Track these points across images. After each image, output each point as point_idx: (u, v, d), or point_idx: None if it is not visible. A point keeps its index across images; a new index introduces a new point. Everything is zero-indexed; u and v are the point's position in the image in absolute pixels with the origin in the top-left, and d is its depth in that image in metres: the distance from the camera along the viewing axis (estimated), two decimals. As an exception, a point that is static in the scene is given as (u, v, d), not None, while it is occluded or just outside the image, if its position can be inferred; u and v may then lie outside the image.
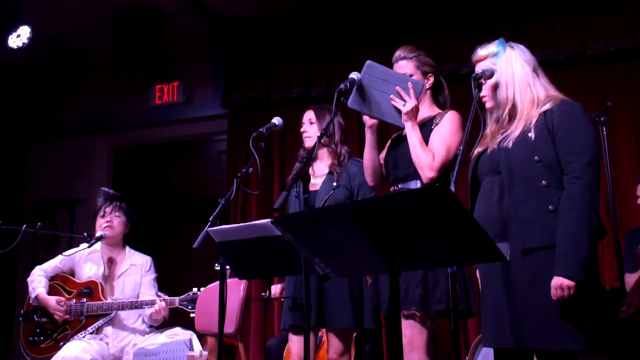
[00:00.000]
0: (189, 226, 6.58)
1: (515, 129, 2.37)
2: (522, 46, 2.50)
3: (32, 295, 3.88)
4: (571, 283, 2.14)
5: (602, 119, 3.51)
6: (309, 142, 3.40)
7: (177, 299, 3.79)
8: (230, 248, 2.59)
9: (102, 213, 4.00)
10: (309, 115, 3.47)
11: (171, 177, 6.69)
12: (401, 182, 2.93)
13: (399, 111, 2.79)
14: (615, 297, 3.53)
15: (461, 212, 1.61)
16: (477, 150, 2.50)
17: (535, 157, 2.29)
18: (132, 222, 4.12)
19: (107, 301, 3.81)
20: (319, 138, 2.59)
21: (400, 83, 2.79)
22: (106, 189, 4.15)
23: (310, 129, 3.41)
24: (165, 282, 4.14)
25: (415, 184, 2.86)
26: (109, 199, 4.04)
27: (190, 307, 3.77)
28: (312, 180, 3.34)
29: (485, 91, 2.45)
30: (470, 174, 2.51)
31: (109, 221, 3.96)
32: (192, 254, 6.41)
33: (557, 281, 2.16)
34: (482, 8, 5.02)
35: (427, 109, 2.98)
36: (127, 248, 4.10)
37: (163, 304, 3.75)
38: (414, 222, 1.66)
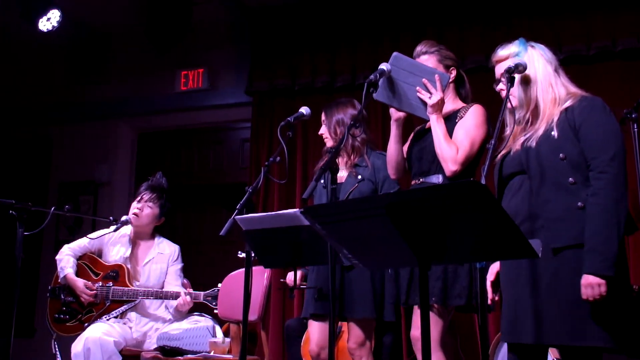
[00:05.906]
0: (211, 213, 6.60)
1: (538, 129, 2.34)
2: (542, 45, 2.47)
3: (61, 275, 3.93)
4: (601, 281, 2.10)
5: (633, 115, 3.46)
6: (327, 142, 3.39)
7: (201, 294, 3.83)
8: (257, 236, 2.61)
9: (138, 198, 4.03)
10: (322, 116, 3.45)
11: (194, 163, 6.71)
12: (423, 176, 2.92)
13: (424, 103, 2.78)
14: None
15: (496, 208, 1.61)
16: (501, 153, 2.48)
17: (560, 155, 2.26)
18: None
19: (133, 288, 3.86)
20: (348, 129, 2.59)
21: (427, 75, 2.78)
22: (159, 177, 4.12)
23: (324, 129, 3.40)
24: (184, 269, 4.16)
25: (437, 178, 2.86)
26: (150, 188, 4.04)
27: (214, 303, 3.80)
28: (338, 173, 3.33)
29: (514, 87, 2.41)
30: (497, 176, 2.48)
31: (139, 209, 3.98)
32: (212, 240, 6.46)
33: (587, 279, 2.12)
34: (511, 0, 4.96)
35: (451, 103, 2.97)
36: (157, 235, 4.13)
37: (188, 298, 3.78)
38: (446, 216, 1.65)
